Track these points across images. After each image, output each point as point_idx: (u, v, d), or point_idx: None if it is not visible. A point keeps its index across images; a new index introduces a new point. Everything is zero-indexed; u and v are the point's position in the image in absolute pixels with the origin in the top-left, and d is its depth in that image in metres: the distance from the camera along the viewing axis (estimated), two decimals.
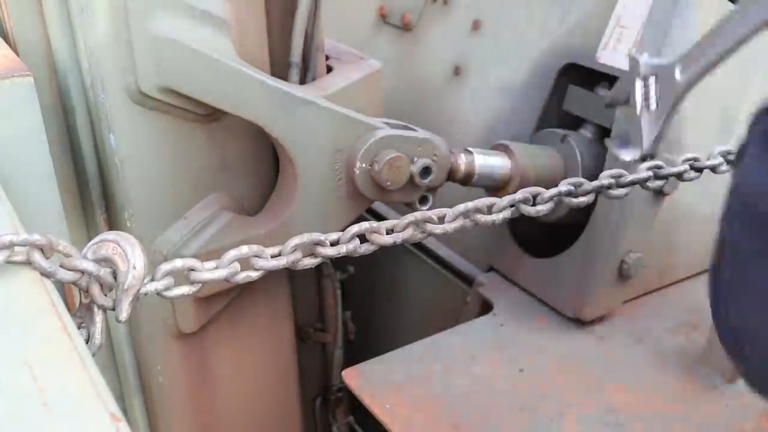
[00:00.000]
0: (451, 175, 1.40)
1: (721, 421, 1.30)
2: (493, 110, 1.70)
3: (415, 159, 1.32)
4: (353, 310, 1.87)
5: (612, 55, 1.46)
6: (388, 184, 1.30)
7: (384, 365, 1.45)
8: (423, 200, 1.40)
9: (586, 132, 1.52)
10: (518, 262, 1.64)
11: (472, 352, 1.47)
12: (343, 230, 1.08)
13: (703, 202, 1.50)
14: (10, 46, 1.13)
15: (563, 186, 1.25)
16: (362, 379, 1.41)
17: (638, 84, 1.30)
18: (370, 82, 1.38)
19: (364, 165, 1.30)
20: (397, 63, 1.97)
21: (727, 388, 1.36)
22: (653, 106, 1.28)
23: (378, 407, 1.33)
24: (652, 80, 1.28)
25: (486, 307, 1.64)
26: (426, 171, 1.34)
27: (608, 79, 1.48)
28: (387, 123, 1.35)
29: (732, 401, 1.34)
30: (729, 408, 1.33)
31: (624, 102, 1.32)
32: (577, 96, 1.55)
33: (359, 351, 1.68)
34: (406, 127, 1.37)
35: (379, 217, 1.92)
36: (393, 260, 1.94)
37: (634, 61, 1.31)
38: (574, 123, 1.55)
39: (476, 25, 1.79)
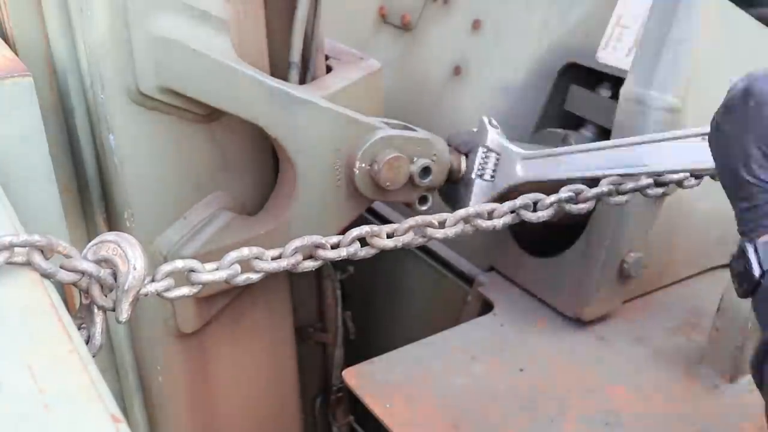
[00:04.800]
0: (452, 176, 1.40)
1: (721, 421, 1.30)
2: (493, 110, 1.70)
3: (415, 159, 1.32)
4: (353, 310, 1.87)
5: (612, 55, 1.46)
6: (388, 184, 1.30)
7: (384, 365, 1.45)
8: (422, 200, 1.40)
9: (587, 132, 1.52)
10: (518, 262, 1.63)
11: (472, 352, 1.47)
12: (343, 232, 1.08)
13: (704, 202, 1.50)
14: (9, 46, 1.13)
15: (564, 193, 1.25)
16: (362, 379, 1.41)
17: (480, 151, 1.39)
18: (370, 82, 1.38)
19: (363, 165, 1.30)
20: (397, 63, 1.97)
21: (727, 388, 1.36)
22: (487, 177, 1.35)
23: (378, 407, 1.33)
24: (493, 155, 1.35)
25: (486, 307, 1.64)
26: (425, 171, 1.34)
27: (609, 78, 1.48)
28: (387, 123, 1.35)
29: (732, 401, 1.34)
30: (729, 408, 1.33)
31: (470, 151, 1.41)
32: (577, 96, 1.55)
33: (359, 351, 1.68)
34: (405, 127, 1.37)
35: (380, 217, 1.92)
36: (393, 260, 1.94)
37: (482, 127, 1.40)
38: (575, 123, 1.55)
39: (476, 25, 1.79)
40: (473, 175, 1.38)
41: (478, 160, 1.38)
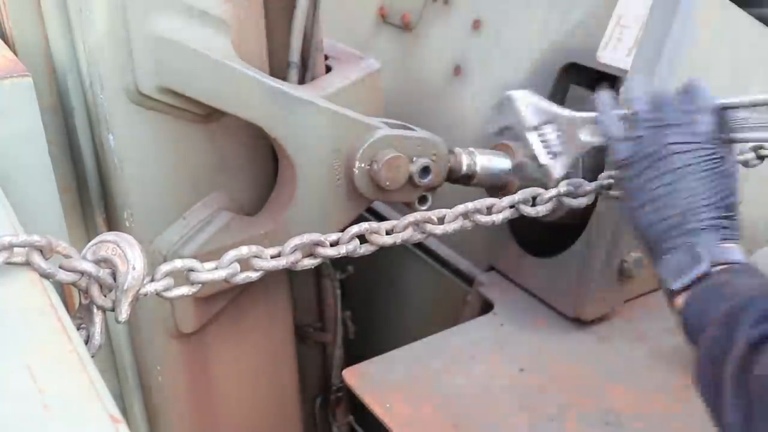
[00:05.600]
0: (452, 175, 1.39)
1: None
2: None
3: (414, 159, 1.32)
4: (353, 310, 1.87)
5: (613, 55, 1.46)
6: (387, 183, 1.30)
7: (384, 365, 1.45)
8: (422, 200, 1.40)
9: None
10: (518, 262, 1.63)
11: (472, 351, 1.47)
12: (342, 230, 1.08)
13: None
14: (9, 46, 1.13)
15: (563, 186, 1.25)
16: (362, 379, 1.41)
17: (532, 136, 1.29)
18: (370, 82, 1.38)
19: (363, 165, 1.30)
20: (397, 63, 1.97)
21: None
22: (557, 150, 1.28)
23: (378, 407, 1.33)
24: (548, 128, 1.27)
25: (486, 307, 1.64)
26: (425, 171, 1.33)
27: (609, 78, 1.48)
28: (386, 123, 1.35)
29: None
30: None
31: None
32: (577, 96, 1.54)
33: (359, 351, 1.68)
34: (405, 127, 1.37)
35: (379, 217, 1.91)
36: (393, 260, 1.94)
37: (509, 107, 1.30)
38: None
39: (476, 25, 1.79)
40: (543, 161, 1.27)
41: (537, 145, 1.27)
